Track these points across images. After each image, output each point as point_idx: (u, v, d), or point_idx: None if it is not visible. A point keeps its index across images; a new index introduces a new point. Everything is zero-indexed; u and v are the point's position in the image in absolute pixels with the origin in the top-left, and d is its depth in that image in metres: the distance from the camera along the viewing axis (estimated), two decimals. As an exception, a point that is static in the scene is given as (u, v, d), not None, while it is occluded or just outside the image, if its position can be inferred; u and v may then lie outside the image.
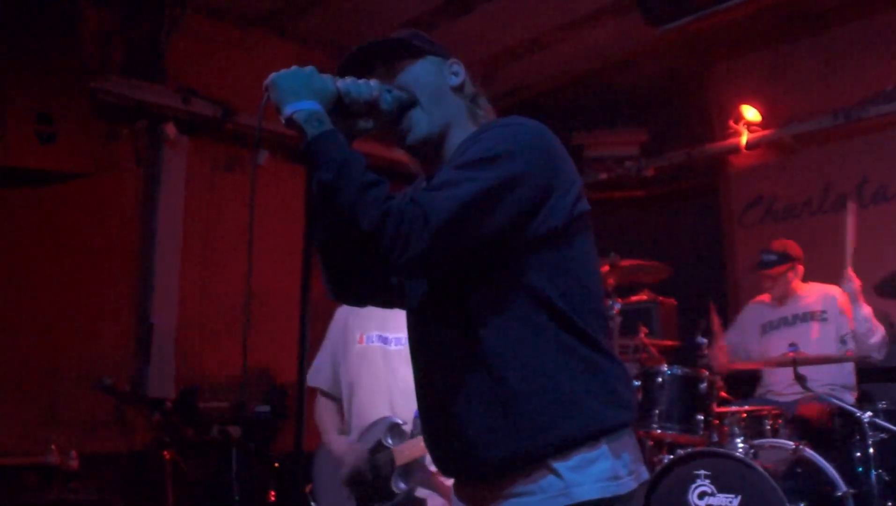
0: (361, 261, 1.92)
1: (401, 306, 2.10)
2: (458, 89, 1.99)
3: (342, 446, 3.51)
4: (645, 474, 1.85)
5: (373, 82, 1.86)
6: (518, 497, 1.77)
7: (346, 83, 1.83)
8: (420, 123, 1.92)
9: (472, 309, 1.81)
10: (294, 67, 1.79)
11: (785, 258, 5.04)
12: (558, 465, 1.74)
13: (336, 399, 3.70)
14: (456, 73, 2.00)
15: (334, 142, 1.71)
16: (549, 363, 1.77)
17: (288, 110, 1.74)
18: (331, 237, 1.88)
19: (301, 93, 1.75)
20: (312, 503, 3.67)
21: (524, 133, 1.83)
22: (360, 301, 2.20)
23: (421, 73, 1.95)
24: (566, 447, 1.74)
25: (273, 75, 1.78)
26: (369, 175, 1.67)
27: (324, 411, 3.72)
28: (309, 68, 1.80)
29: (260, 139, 2.02)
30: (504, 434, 1.75)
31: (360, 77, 1.88)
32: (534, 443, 1.74)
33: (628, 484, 1.78)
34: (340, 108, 1.82)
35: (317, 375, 3.71)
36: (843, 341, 4.75)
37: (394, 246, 1.62)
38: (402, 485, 3.24)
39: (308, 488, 3.70)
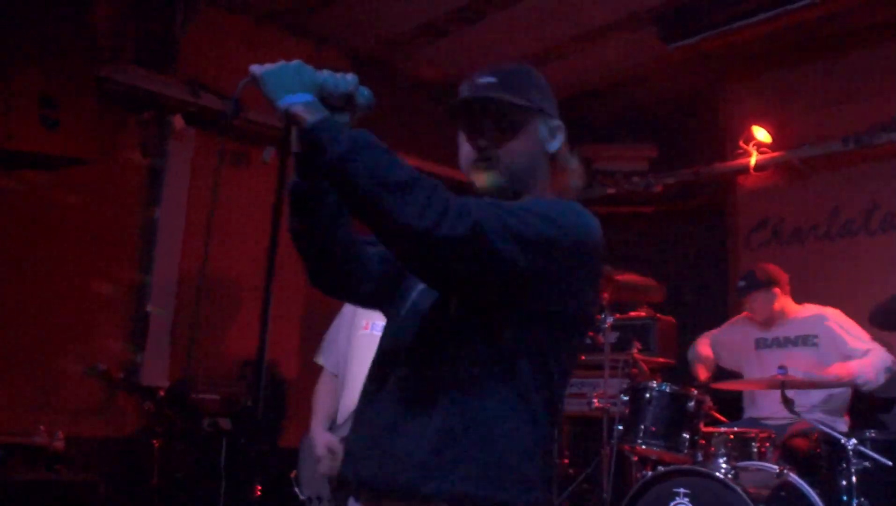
0: (340, 252, 1.92)
1: (374, 307, 2.10)
2: (552, 156, 1.99)
3: (319, 436, 3.64)
4: None
5: (349, 76, 1.83)
6: None
7: (324, 75, 1.80)
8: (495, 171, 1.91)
9: (463, 335, 1.77)
10: (281, 62, 1.77)
11: (753, 285, 4.94)
12: None
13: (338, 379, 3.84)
14: (556, 139, 2.00)
15: (337, 123, 1.69)
16: (514, 424, 1.73)
17: (283, 104, 1.72)
18: (348, 215, 1.88)
19: (292, 87, 1.73)
20: (296, 488, 3.81)
21: (585, 222, 1.81)
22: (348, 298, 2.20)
23: (527, 140, 1.94)
24: None
25: (261, 71, 1.76)
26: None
27: (323, 395, 3.83)
28: (295, 62, 1.77)
29: (234, 112, 1.97)
30: (443, 468, 1.69)
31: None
32: (465, 490, 1.68)
33: None
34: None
35: (324, 355, 3.93)
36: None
37: (425, 210, 1.55)
38: None
39: (293, 474, 3.86)
